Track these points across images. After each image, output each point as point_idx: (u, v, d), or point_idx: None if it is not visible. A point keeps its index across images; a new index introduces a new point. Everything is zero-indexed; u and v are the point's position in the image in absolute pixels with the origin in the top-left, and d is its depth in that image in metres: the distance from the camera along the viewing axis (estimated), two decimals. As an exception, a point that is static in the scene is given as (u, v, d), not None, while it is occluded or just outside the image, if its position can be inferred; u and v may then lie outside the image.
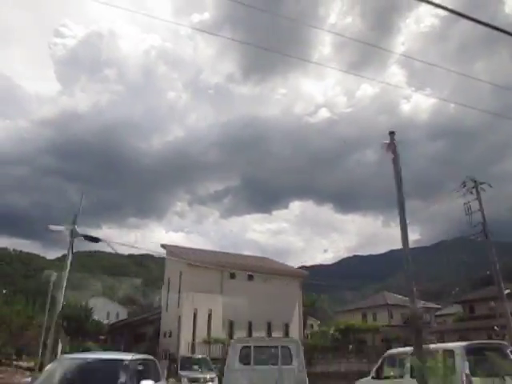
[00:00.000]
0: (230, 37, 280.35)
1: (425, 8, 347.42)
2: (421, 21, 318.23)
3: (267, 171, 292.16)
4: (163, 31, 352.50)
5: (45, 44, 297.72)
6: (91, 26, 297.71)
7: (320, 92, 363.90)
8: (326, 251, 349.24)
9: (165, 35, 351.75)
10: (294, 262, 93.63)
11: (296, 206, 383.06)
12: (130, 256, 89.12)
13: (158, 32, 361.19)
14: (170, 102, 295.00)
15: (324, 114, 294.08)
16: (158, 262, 74.21)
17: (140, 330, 42.13)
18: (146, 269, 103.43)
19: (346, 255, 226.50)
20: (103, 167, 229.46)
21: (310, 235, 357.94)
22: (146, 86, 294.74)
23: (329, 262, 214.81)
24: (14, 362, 27.84)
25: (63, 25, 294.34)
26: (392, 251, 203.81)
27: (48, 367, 7.42)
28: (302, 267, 69.03)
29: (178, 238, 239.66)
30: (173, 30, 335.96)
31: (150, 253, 46.93)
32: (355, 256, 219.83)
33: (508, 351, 9.19)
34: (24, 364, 27.78)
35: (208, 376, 19.06)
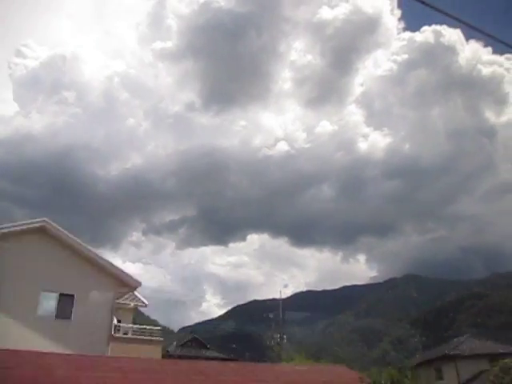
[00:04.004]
0: (192, 66, 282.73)
1: (383, 52, 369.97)
2: (378, 65, 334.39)
3: (224, 202, 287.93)
4: (128, 58, 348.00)
5: (5, 64, 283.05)
6: (55, 48, 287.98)
7: (279, 126, 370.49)
8: (286, 286, 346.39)
9: (129, 62, 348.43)
10: (256, 296, 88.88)
11: (254, 239, 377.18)
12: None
13: (122, 59, 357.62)
14: (130, 128, 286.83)
15: (283, 147, 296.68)
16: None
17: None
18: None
19: (299, 290, 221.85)
20: (57, 192, 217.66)
21: (270, 269, 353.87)
22: (106, 112, 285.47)
23: (283, 297, 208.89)
24: None
25: (25, 45, 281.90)
26: (344, 287, 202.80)
27: None
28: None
29: (135, 270, 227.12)
30: (137, 57, 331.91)
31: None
32: (308, 291, 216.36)
33: None
34: None
35: None
